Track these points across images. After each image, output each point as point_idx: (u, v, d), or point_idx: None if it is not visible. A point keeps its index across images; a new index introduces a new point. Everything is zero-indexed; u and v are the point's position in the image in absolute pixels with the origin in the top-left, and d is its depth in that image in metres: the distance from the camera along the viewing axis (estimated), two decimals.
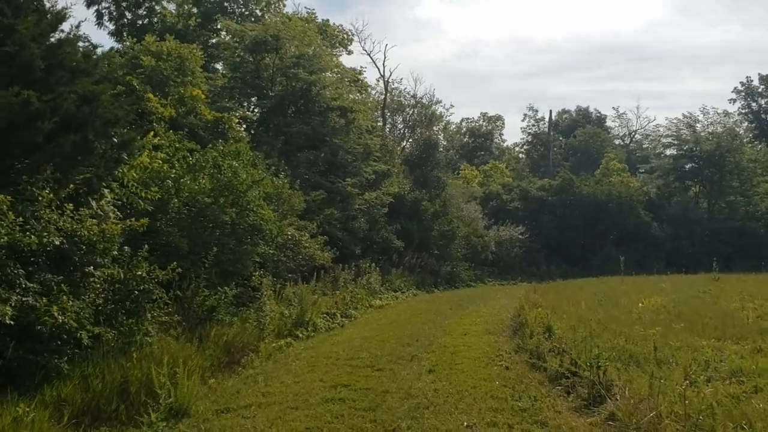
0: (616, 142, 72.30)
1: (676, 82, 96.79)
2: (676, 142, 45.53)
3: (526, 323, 11.79)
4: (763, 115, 63.94)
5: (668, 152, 46.51)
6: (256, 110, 24.24)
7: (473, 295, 23.79)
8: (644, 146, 72.62)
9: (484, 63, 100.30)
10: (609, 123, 75.53)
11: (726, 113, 46.00)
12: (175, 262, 9.83)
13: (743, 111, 62.44)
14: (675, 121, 46.03)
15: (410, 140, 43.62)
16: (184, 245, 12.17)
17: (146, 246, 9.60)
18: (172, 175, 12.58)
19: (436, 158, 32.32)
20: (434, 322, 15.15)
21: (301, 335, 13.71)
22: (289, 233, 16.43)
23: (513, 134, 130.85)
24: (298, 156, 22.65)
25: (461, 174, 47.25)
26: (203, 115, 18.39)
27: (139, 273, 9.01)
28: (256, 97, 24.24)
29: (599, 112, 75.40)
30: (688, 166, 43.75)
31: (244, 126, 24.46)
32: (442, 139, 35.57)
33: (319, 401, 7.77)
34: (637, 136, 75.73)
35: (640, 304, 16.56)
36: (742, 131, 44.80)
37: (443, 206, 30.85)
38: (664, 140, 47.03)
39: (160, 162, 12.43)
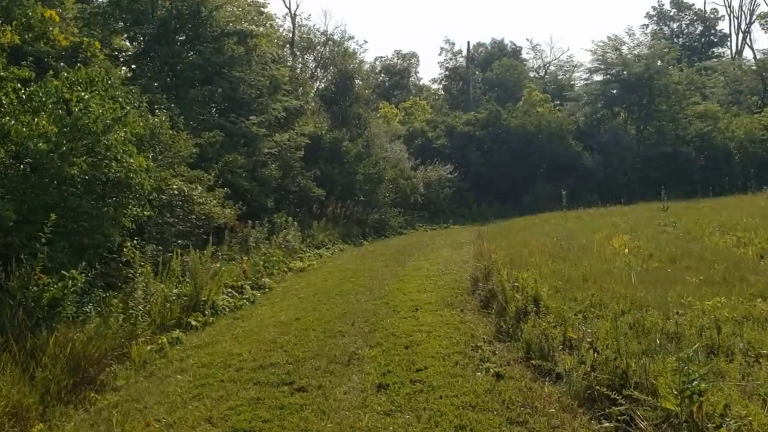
0: (531, 74, 70.59)
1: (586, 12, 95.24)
2: (602, 67, 43.27)
3: (499, 291, 8.61)
4: (675, 39, 63.15)
5: (595, 78, 44.24)
6: (135, 42, 19.69)
7: (408, 245, 20.67)
8: (559, 78, 71.32)
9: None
10: (524, 55, 73.74)
11: (654, 33, 44.04)
12: None
13: (657, 36, 61.35)
14: (600, 44, 43.71)
15: (323, 81, 39.62)
16: (9, 213, 8.41)
17: None
18: None
19: (354, 92, 28.48)
20: (370, 289, 11.89)
21: (194, 323, 10.19)
22: (175, 187, 12.63)
23: (428, 73, 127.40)
24: (189, 93, 18.52)
25: (381, 113, 43.71)
26: (57, 41, 14.04)
27: None
28: (134, 25, 19.65)
29: (514, 44, 73.38)
30: (615, 91, 41.57)
31: (121, 60, 19.98)
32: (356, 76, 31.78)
33: None
34: (551, 67, 74.34)
35: (612, 247, 13.91)
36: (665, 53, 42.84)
37: (366, 147, 27.33)
38: (589, 65, 44.63)
39: None
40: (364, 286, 12.34)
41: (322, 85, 38.75)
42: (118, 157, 10.13)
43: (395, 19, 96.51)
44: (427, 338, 7.61)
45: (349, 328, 8.65)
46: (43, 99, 9.69)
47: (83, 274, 8.34)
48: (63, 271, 8.17)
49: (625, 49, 44.65)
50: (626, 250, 12.22)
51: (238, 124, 19.22)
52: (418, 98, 55.26)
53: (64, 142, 9.36)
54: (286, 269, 15.98)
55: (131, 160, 10.20)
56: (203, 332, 9.73)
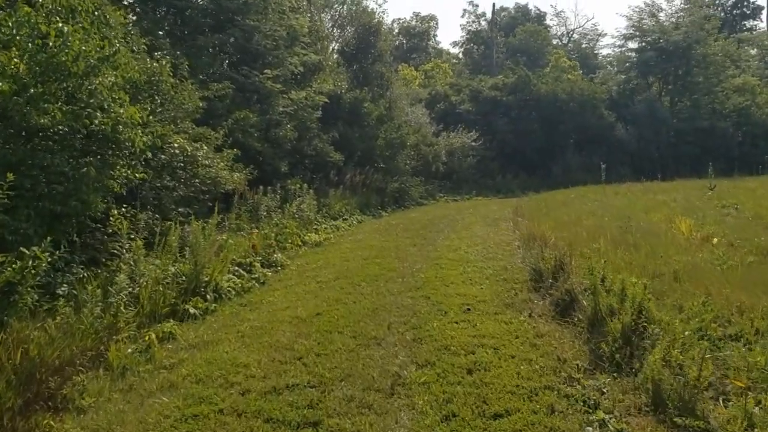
0: (554, 42, 67.77)
1: None
2: (637, 33, 40.63)
3: (580, 292, 6.71)
4: (706, 10, 59.90)
5: (630, 45, 41.60)
6: None
7: (433, 218, 18.75)
8: (583, 46, 68.50)
9: None
10: (548, 22, 70.73)
11: (694, 1, 41.25)
12: None
13: (697, 3, 58.28)
14: (636, 9, 41.07)
15: (339, 42, 37.22)
16: None
17: None
18: None
19: (378, 48, 26.22)
20: (402, 275, 10.03)
21: (193, 310, 8.38)
22: (176, 145, 10.73)
23: (447, 38, 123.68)
24: (198, 40, 16.48)
25: (400, 75, 41.37)
26: None
27: None
28: None
29: (539, 9, 70.36)
30: (652, 60, 38.97)
31: (124, 2, 17.89)
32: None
33: None
34: (575, 36, 71.35)
35: (680, 232, 11.99)
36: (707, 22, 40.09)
37: (388, 109, 25.21)
38: (624, 31, 41.89)
39: None
40: (394, 270, 10.47)
41: (338, 46, 36.55)
42: (105, 106, 8.25)
43: None
44: (496, 358, 5.76)
45: (385, 332, 6.81)
46: (14, 30, 7.75)
47: (51, 251, 6.50)
48: (22, 248, 6.33)
49: (662, 16, 42.02)
50: (714, 240, 10.26)
51: (251, 78, 17.20)
52: (439, 61, 52.74)
53: (34, 83, 7.48)
54: (300, 242, 14.16)
55: (121, 111, 8.31)
56: (203, 324, 7.93)
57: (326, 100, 20.46)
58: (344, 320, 7.37)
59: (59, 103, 7.58)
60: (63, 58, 7.59)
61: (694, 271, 8.10)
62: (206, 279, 9.25)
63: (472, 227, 16.04)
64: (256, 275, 10.65)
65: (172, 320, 7.99)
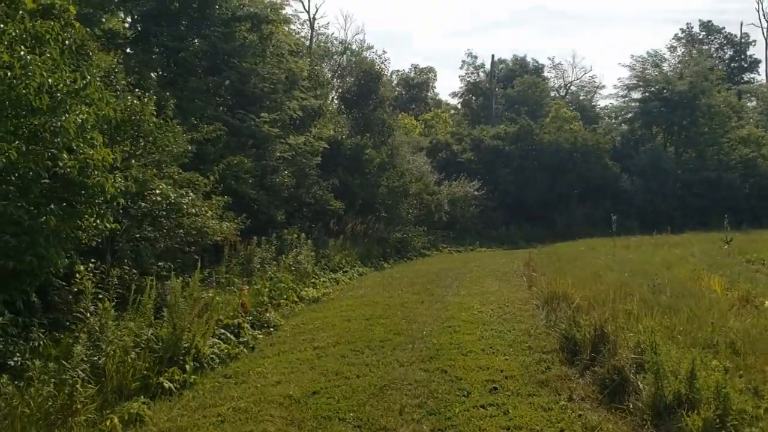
0: (552, 94, 67.72)
1: (607, 37, 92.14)
2: (641, 83, 40.18)
3: (630, 373, 5.50)
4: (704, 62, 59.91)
5: (633, 95, 41.10)
6: (130, 18, 16.78)
7: (439, 271, 17.57)
8: (581, 98, 68.41)
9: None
10: (545, 74, 70.77)
11: (700, 51, 41.02)
12: None
13: (685, 59, 58.42)
14: (639, 59, 40.73)
15: (339, 91, 36.68)
16: None
17: None
18: None
19: (379, 95, 25.46)
20: (411, 339, 8.80)
21: (168, 384, 7.12)
22: (158, 191, 9.62)
23: (445, 90, 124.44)
24: (190, 81, 15.58)
25: (400, 123, 40.74)
26: (21, 1, 11.14)
27: None
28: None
29: (536, 61, 70.23)
30: (658, 110, 38.36)
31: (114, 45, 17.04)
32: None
33: None
34: (572, 88, 71.41)
35: (713, 291, 10.85)
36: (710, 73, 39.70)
37: (390, 156, 24.28)
38: (627, 81, 41.41)
39: None
40: (401, 333, 9.25)
41: (338, 93, 36.03)
42: (73, 147, 7.18)
43: (410, 32, 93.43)
44: None
45: (396, 420, 5.57)
46: None
47: None
48: None
49: (665, 66, 41.72)
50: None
51: (246, 122, 16.25)
52: (439, 110, 52.37)
53: None
54: (296, 299, 12.95)
55: (91, 152, 7.23)
56: (179, 402, 6.69)
57: (326, 145, 19.53)
58: (346, 402, 6.13)
59: (16, 142, 6.51)
60: (23, 91, 6.54)
61: (753, 341, 6.92)
62: (186, 345, 8.03)
63: (481, 282, 14.86)
64: (245, 339, 9.42)
65: (142, 396, 6.75)
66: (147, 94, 10.19)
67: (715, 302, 9.73)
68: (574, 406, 5.77)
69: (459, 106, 67.09)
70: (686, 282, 12.42)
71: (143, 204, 9.57)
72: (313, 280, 14.85)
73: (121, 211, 8.95)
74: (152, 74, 15.69)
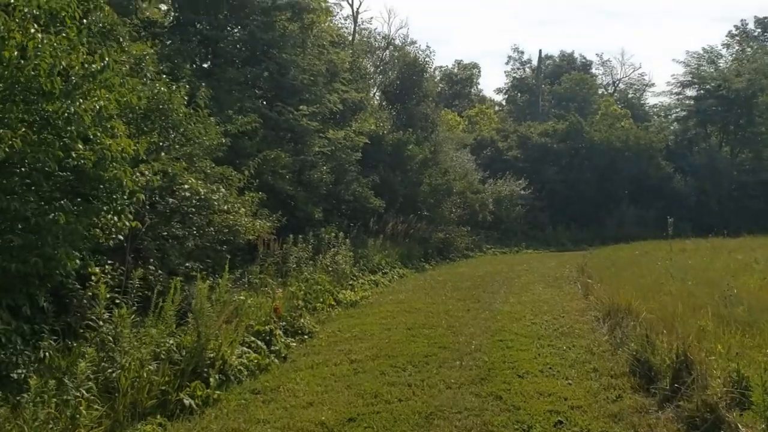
0: (600, 91, 65.68)
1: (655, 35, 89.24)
2: (696, 81, 38.38)
3: (728, 412, 4.55)
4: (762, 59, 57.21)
5: (687, 92, 39.30)
6: (165, 6, 16.25)
7: (484, 275, 16.63)
8: (629, 96, 66.21)
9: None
10: (593, 70, 68.69)
11: (762, 47, 38.96)
12: None
13: (741, 56, 55.94)
14: (695, 56, 38.88)
15: (380, 87, 35.86)
16: None
17: None
18: None
19: (423, 88, 24.56)
20: (459, 354, 7.91)
21: (189, 401, 6.39)
22: (187, 187, 8.93)
23: (489, 87, 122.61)
24: (227, 72, 14.93)
25: (443, 120, 39.71)
26: None
27: None
28: None
29: (584, 58, 68.21)
30: (711, 109, 36.58)
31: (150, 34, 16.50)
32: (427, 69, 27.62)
33: None
34: (621, 85, 69.18)
35: None
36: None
37: (433, 153, 23.35)
38: (681, 78, 39.62)
39: None
40: (447, 346, 8.38)
41: (378, 90, 35.30)
42: (90, 136, 6.50)
43: (454, 28, 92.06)
44: None
45: None
46: None
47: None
48: None
49: (721, 63, 39.79)
50: None
51: (284, 115, 15.54)
52: (483, 107, 51.12)
53: None
54: (333, 302, 12.20)
55: (108, 142, 6.54)
56: (199, 423, 5.97)
57: (367, 140, 18.72)
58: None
59: (23, 130, 5.84)
60: (32, 73, 5.87)
61: None
62: (211, 355, 7.30)
63: (531, 288, 13.88)
64: (277, 347, 8.66)
65: (159, 416, 6.04)
66: (179, 83, 9.53)
67: None
68: None
69: (504, 102, 65.66)
70: (757, 292, 11.26)
71: (171, 200, 8.90)
72: (351, 282, 14.08)
73: (147, 206, 8.30)
74: (187, 64, 15.13)
